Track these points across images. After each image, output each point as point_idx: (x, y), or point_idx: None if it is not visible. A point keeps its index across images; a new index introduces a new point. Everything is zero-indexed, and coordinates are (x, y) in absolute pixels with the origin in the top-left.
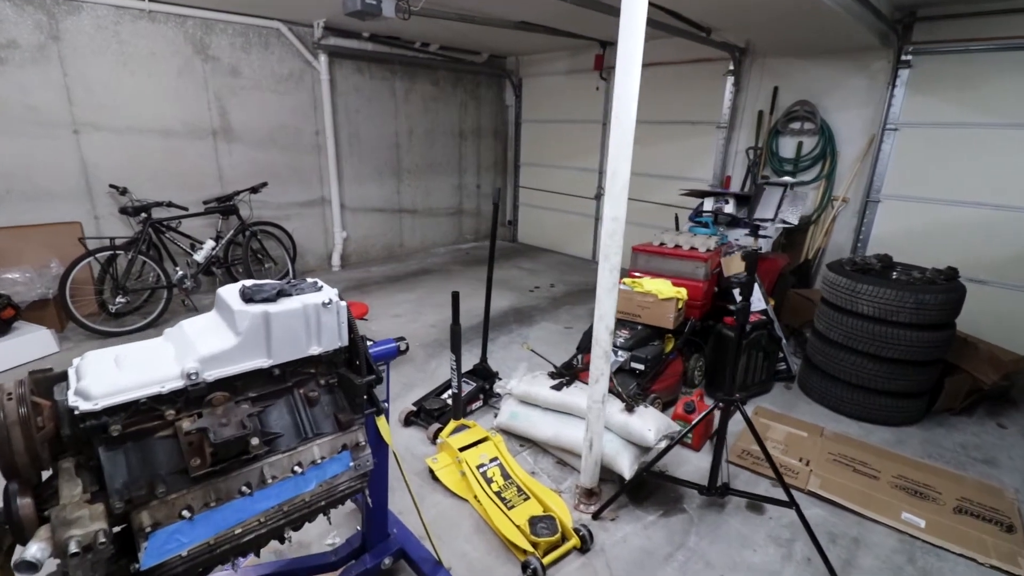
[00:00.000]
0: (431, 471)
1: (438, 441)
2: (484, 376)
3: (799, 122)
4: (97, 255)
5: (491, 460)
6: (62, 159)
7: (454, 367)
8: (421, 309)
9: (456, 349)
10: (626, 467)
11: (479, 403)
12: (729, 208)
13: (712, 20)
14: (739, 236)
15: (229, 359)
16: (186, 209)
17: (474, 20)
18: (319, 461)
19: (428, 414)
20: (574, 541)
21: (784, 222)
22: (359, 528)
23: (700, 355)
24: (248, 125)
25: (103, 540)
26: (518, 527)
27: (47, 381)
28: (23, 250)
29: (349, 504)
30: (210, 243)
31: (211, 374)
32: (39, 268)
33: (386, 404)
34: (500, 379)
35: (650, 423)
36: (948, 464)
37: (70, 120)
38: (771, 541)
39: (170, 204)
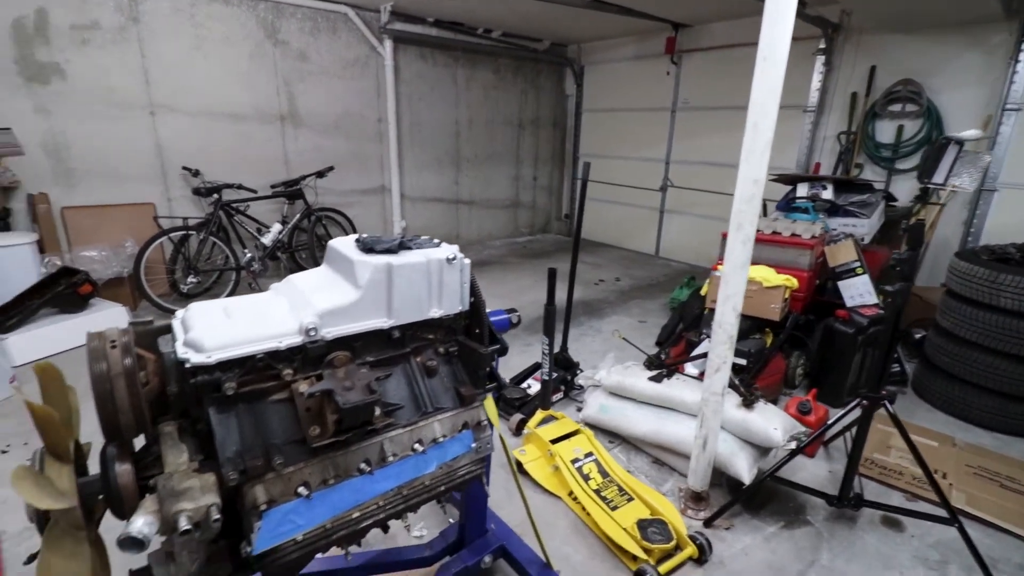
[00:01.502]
0: (519, 463)
1: (524, 432)
2: (565, 366)
3: (900, 104)
4: (171, 235)
5: (586, 455)
6: (138, 141)
7: (546, 351)
8: None
9: (549, 331)
10: (744, 470)
11: (560, 395)
12: (827, 194)
13: None
14: (837, 225)
15: (348, 315)
16: (255, 192)
17: None
18: (440, 440)
19: (508, 403)
20: (691, 550)
21: (956, 188)
22: (452, 520)
23: (802, 353)
24: (314, 111)
25: (216, 516)
26: (626, 530)
27: (149, 334)
28: (100, 229)
29: None
30: (277, 226)
31: (330, 331)
32: (115, 247)
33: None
34: (581, 370)
35: (775, 421)
36: None
37: (147, 102)
38: (919, 563)
39: (240, 187)
